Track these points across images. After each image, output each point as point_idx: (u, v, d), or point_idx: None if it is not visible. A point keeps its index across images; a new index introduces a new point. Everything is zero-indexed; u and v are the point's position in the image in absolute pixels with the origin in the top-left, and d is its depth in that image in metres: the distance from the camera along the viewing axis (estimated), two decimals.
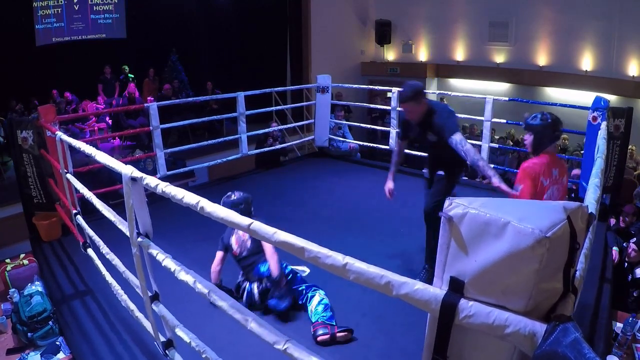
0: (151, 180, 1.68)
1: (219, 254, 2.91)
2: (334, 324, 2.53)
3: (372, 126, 7.02)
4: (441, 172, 3.24)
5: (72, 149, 3.02)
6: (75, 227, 3.32)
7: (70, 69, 8.08)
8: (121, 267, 2.30)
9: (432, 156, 3.37)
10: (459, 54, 9.99)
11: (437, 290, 1.00)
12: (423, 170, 3.59)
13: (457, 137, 2.82)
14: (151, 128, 4.69)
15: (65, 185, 3.27)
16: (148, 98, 8.52)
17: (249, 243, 2.83)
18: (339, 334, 2.47)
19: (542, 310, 0.92)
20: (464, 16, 9.77)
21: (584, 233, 0.99)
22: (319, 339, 2.46)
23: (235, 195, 2.91)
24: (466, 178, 6.39)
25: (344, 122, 6.86)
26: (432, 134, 2.99)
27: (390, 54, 11.12)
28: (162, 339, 2.03)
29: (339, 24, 10.49)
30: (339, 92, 9.76)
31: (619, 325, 2.88)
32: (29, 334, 2.81)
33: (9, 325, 3.02)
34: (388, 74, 10.65)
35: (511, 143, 8.02)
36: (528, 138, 2.41)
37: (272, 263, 2.70)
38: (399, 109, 3.59)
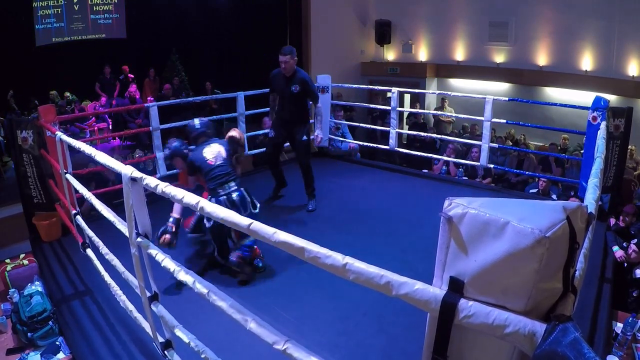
0: (151, 181, 1.68)
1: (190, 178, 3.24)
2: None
3: (372, 126, 7.02)
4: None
5: (72, 149, 3.02)
6: (75, 227, 3.32)
7: (70, 69, 8.07)
8: (120, 267, 2.30)
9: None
10: (459, 54, 9.99)
11: (436, 290, 1.00)
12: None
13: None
14: (151, 129, 4.70)
15: (64, 185, 3.27)
16: (148, 98, 8.53)
17: (224, 153, 3.14)
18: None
19: (542, 310, 0.92)
20: (464, 16, 9.77)
21: (583, 233, 0.99)
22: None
23: (197, 121, 3.30)
24: (466, 178, 6.40)
25: (344, 122, 6.86)
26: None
27: (390, 54, 11.11)
28: (161, 339, 2.03)
29: (339, 24, 10.48)
30: (339, 92, 9.77)
31: (619, 325, 2.88)
32: (29, 334, 2.81)
33: (9, 325, 3.02)
34: (388, 74, 10.64)
35: (511, 143, 8.02)
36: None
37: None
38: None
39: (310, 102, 4.37)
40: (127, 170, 1.78)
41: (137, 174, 1.75)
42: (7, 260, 3.64)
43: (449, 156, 6.31)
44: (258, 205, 3.19)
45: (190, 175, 3.22)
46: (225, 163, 3.10)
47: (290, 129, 4.28)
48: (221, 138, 3.34)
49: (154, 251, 1.82)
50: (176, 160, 3.33)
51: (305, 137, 4.27)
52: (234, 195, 3.04)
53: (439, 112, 9.43)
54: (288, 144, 4.43)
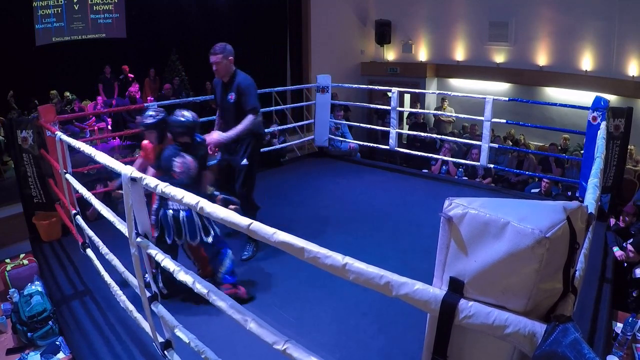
0: (151, 181, 1.68)
1: (151, 171, 2.86)
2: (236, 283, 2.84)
3: (371, 126, 7.02)
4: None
5: (72, 149, 3.01)
6: (75, 227, 3.32)
7: (70, 69, 8.07)
8: (120, 267, 2.30)
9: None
10: (459, 54, 9.99)
11: (436, 291, 1.00)
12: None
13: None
14: None
15: (64, 185, 3.27)
16: (148, 98, 8.53)
17: (192, 171, 2.71)
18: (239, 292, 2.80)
19: (542, 310, 0.92)
20: (464, 16, 9.77)
21: (583, 233, 0.99)
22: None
23: (187, 114, 2.79)
24: (466, 178, 6.40)
25: (344, 122, 6.86)
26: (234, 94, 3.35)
27: (390, 54, 11.11)
28: (161, 339, 2.03)
29: (339, 24, 10.49)
30: (334, 92, 9.78)
31: (619, 325, 2.88)
32: (28, 333, 2.81)
33: (9, 325, 3.02)
34: (388, 74, 10.65)
35: (511, 143, 8.02)
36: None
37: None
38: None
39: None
40: (127, 171, 1.78)
41: (137, 174, 1.75)
42: (7, 260, 3.64)
43: (445, 156, 6.32)
44: (212, 233, 2.76)
45: (155, 159, 2.89)
46: (185, 182, 2.65)
47: (232, 150, 3.45)
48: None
49: (154, 251, 1.82)
50: (154, 133, 2.87)
51: (245, 161, 3.39)
52: (182, 213, 2.67)
53: (439, 112, 9.43)
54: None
